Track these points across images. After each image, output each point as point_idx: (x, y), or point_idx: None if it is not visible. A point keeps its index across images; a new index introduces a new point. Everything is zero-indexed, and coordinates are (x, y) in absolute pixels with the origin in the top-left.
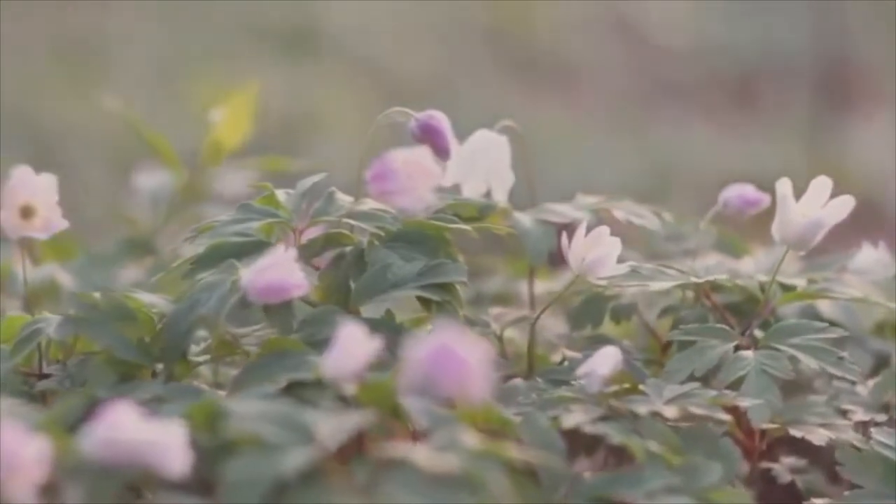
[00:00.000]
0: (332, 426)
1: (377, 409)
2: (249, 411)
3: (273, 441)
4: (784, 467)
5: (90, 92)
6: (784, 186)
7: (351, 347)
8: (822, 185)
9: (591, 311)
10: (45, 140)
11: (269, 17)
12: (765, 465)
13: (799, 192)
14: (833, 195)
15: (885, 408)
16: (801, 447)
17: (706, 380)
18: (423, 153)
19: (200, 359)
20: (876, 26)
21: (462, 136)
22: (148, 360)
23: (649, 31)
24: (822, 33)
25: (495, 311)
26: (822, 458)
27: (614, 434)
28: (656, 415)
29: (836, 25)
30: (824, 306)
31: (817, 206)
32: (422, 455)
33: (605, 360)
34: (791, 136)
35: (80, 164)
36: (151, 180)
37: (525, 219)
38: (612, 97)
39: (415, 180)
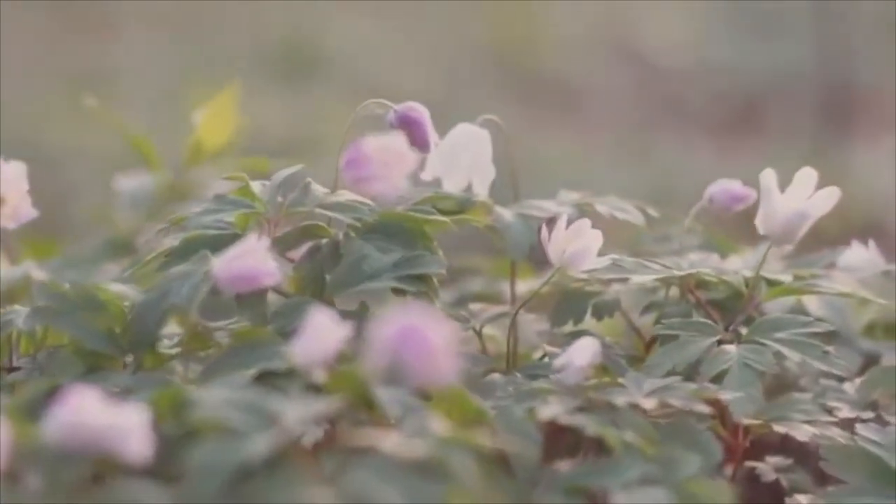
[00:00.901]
0: (298, 413)
1: (348, 397)
2: (215, 398)
3: (238, 427)
4: (769, 466)
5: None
6: (768, 178)
7: (320, 334)
8: (806, 176)
9: (573, 308)
10: (49, 160)
11: (270, 40)
12: (749, 464)
13: None
14: (837, 218)
15: (873, 406)
16: (787, 449)
17: (692, 377)
18: (398, 140)
19: (172, 351)
20: (880, 50)
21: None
22: (118, 351)
23: (653, 53)
24: (826, 56)
25: (475, 307)
26: (808, 459)
27: (591, 425)
28: (635, 407)
29: (840, 49)
30: (813, 306)
31: (802, 197)
32: (391, 442)
33: (583, 352)
34: (794, 159)
35: (83, 184)
36: (134, 182)
37: (506, 213)
38: (615, 119)
39: (389, 167)
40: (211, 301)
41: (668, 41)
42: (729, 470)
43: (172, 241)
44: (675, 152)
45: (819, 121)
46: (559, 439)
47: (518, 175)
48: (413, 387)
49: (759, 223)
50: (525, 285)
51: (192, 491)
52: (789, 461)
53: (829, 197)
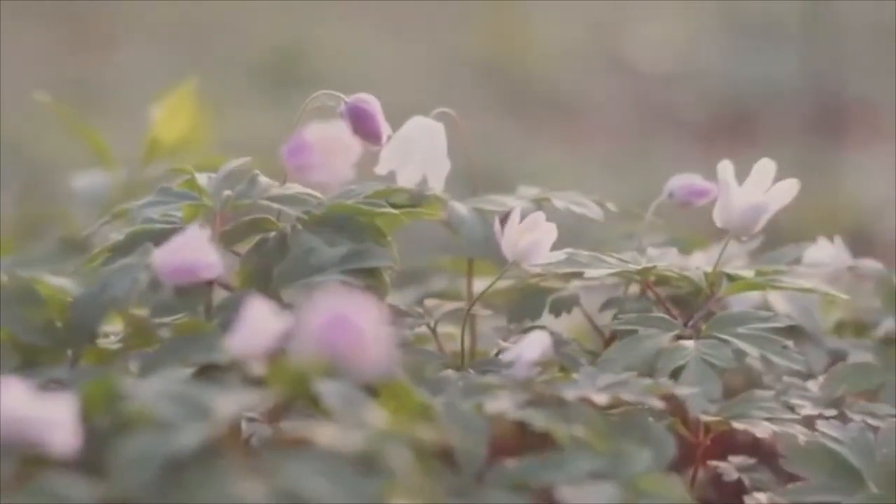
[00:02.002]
0: (231, 405)
1: (288, 390)
2: (148, 390)
3: (170, 419)
4: (731, 466)
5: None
6: (725, 170)
7: (257, 326)
8: (764, 168)
9: (530, 304)
10: (42, 173)
11: (266, 51)
12: (711, 463)
13: (796, 228)
14: (827, 227)
15: (837, 403)
16: (757, 449)
17: (652, 374)
18: (341, 128)
19: (114, 347)
20: (872, 59)
21: (458, 167)
22: (57, 344)
23: (645, 63)
24: (817, 66)
25: (430, 302)
26: (772, 460)
27: (538, 419)
28: (585, 401)
29: (831, 58)
30: (779, 304)
31: (760, 190)
32: (328, 435)
33: (533, 346)
34: (787, 169)
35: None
36: (89, 180)
37: (461, 207)
38: (608, 128)
39: (332, 155)
40: (162, 298)
41: (659, 51)
42: (690, 468)
43: (119, 235)
44: (667, 161)
45: (810, 130)
46: (518, 438)
47: (477, 170)
48: (351, 378)
49: (717, 216)
50: (485, 283)
51: (120, 484)
52: (753, 461)
53: (788, 190)
